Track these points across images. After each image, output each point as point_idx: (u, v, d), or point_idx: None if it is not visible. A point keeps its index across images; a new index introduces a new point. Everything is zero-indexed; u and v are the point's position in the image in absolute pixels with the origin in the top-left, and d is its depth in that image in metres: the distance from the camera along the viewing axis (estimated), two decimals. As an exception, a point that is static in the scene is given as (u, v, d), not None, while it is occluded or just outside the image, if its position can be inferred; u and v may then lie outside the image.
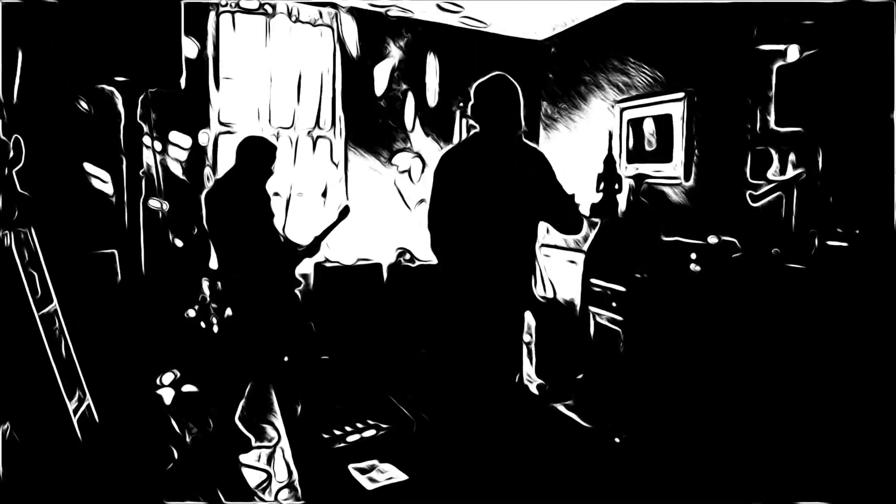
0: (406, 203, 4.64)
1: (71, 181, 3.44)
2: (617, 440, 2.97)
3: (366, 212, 4.35)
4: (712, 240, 3.23)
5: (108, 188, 3.58)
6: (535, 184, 2.37)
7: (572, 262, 3.76)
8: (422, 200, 4.63)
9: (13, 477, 2.23)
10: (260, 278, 2.89)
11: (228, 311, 3.43)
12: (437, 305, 2.71)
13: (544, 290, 3.99)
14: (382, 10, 4.33)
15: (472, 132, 2.51)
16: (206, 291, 3.76)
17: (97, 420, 2.75)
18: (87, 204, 3.49)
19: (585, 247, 3.67)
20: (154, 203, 3.63)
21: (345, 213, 3.20)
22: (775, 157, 2.97)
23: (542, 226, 2.59)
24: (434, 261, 4.22)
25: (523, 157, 2.39)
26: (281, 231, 3.15)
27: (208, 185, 3.77)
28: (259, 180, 2.88)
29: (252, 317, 2.94)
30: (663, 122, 3.77)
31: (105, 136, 3.49)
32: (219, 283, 3.64)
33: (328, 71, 4.21)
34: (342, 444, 2.92)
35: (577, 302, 3.66)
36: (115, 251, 3.49)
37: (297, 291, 3.09)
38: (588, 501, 2.49)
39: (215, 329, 3.68)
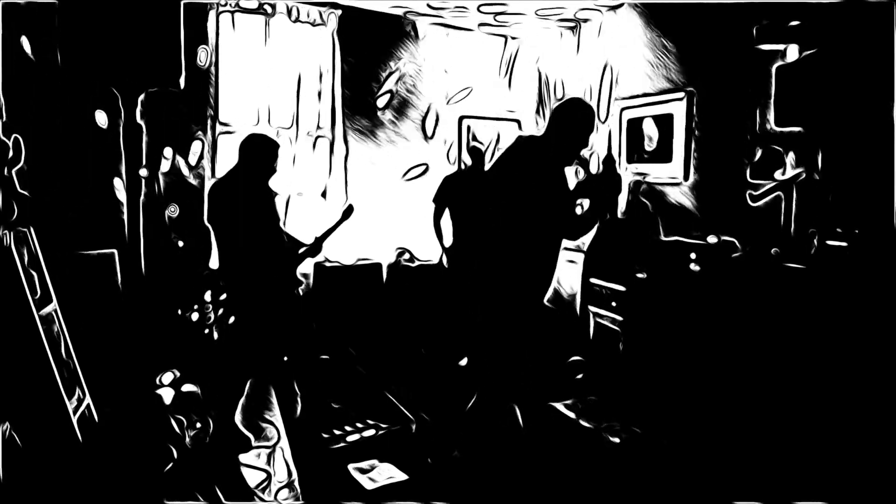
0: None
1: (71, 181, 3.44)
2: (617, 440, 2.97)
3: (366, 211, 4.36)
4: (712, 240, 3.23)
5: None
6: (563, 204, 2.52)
7: (572, 262, 3.76)
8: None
9: (13, 477, 2.23)
10: (262, 277, 2.88)
11: (231, 319, 3.44)
12: (447, 299, 2.83)
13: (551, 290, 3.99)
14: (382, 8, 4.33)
15: (518, 137, 2.64)
16: (208, 296, 3.76)
17: (97, 420, 2.75)
18: (87, 204, 3.48)
19: (585, 247, 3.67)
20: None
21: (348, 212, 3.19)
22: (785, 155, 2.96)
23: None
24: (434, 261, 4.24)
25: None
26: (284, 229, 3.14)
27: (210, 182, 3.77)
28: (262, 178, 2.88)
29: (253, 316, 2.93)
30: (663, 122, 3.77)
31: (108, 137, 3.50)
32: (221, 285, 3.64)
33: (328, 71, 4.21)
34: (342, 444, 2.92)
35: (577, 302, 3.66)
36: (115, 251, 3.49)
37: (298, 291, 3.08)
38: (588, 501, 2.49)
39: (215, 333, 3.69)
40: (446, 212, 4.09)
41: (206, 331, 3.69)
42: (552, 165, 2.51)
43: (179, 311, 3.69)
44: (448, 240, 4.10)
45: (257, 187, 2.86)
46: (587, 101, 2.62)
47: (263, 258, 2.87)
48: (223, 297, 3.72)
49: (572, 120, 2.52)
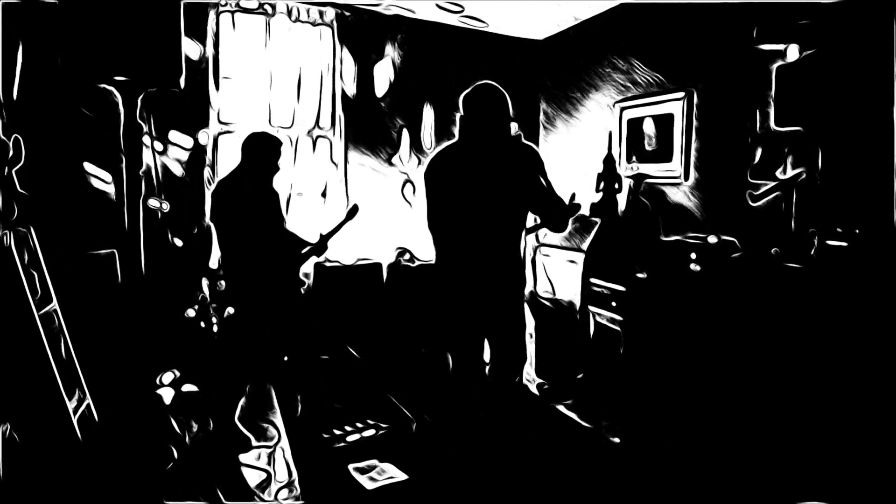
0: (407, 200, 4.63)
1: (71, 181, 3.44)
2: (617, 440, 2.97)
3: (366, 211, 4.35)
4: (712, 240, 3.23)
5: (110, 188, 3.57)
6: (524, 179, 2.44)
7: (572, 261, 3.76)
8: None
9: (13, 477, 2.23)
10: (264, 276, 2.88)
11: (229, 310, 3.44)
12: (437, 302, 2.79)
13: (550, 290, 3.99)
14: (380, 7, 4.33)
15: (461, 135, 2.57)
16: (206, 291, 3.75)
17: (97, 420, 2.75)
18: (86, 204, 3.48)
19: (585, 247, 3.67)
20: (153, 202, 3.62)
21: (353, 212, 3.18)
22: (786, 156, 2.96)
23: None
24: (434, 260, 4.20)
25: (513, 155, 2.46)
26: (288, 229, 3.13)
27: (214, 182, 3.77)
28: (266, 177, 2.88)
29: (254, 316, 2.93)
30: (663, 122, 3.77)
31: (105, 135, 3.49)
32: (220, 283, 3.64)
33: (328, 70, 4.21)
34: (342, 444, 2.92)
35: (577, 302, 3.66)
36: (115, 251, 3.48)
37: (301, 291, 3.09)
38: (588, 501, 2.49)
39: (215, 329, 3.68)
40: None
41: (204, 324, 3.68)
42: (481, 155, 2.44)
43: (181, 311, 3.69)
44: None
45: (261, 187, 2.86)
46: (492, 83, 2.52)
47: (267, 257, 2.87)
48: (223, 298, 3.72)
49: (482, 105, 2.44)
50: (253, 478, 2.59)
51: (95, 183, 3.55)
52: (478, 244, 2.48)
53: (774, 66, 2.97)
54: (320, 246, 3.08)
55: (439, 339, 2.94)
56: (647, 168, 3.90)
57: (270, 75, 4.03)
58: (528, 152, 2.47)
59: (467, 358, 2.71)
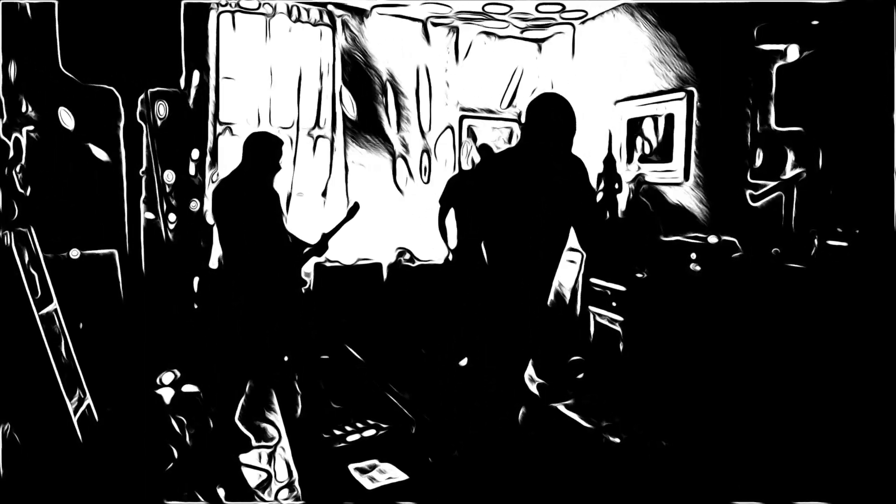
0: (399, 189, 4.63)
1: (71, 181, 3.44)
2: (617, 440, 2.97)
3: (366, 211, 4.35)
4: (712, 240, 3.23)
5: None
6: (571, 194, 2.40)
7: (572, 262, 3.76)
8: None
9: (13, 477, 2.23)
10: (265, 276, 2.88)
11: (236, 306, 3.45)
12: (449, 299, 2.81)
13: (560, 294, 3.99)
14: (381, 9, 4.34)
15: (519, 141, 2.50)
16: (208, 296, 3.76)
17: (97, 420, 2.75)
18: (87, 204, 3.48)
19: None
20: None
21: (354, 210, 3.18)
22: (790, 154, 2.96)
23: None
24: (435, 261, 4.23)
25: (565, 167, 2.40)
26: (288, 229, 3.13)
27: (215, 182, 3.76)
28: (267, 176, 2.87)
29: (255, 315, 2.93)
30: (663, 122, 3.77)
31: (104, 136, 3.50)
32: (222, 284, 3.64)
33: (328, 70, 4.21)
34: (342, 444, 2.92)
35: (577, 302, 3.66)
36: (115, 251, 3.49)
37: (301, 290, 3.09)
38: (588, 501, 2.49)
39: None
40: (450, 212, 4.09)
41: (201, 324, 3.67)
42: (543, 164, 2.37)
43: (181, 311, 3.69)
44: (452, 240, 4.11)
45: (262, 186, 2.86)
46: (559, 94, 2.43)
47: (268, 257, 2.87)
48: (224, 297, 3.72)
49: (546, 117, 2.33)
50: (253, 478, 2.58)
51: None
52: (527, 255, 2.42)
53: (775, 66, 2.97)
54: (321, 245, 3.08)
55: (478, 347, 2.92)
56: (646, 168, 3.89)
57: (270, 75, 4.03)
58: (576, 165, 2.41)
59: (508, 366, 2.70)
